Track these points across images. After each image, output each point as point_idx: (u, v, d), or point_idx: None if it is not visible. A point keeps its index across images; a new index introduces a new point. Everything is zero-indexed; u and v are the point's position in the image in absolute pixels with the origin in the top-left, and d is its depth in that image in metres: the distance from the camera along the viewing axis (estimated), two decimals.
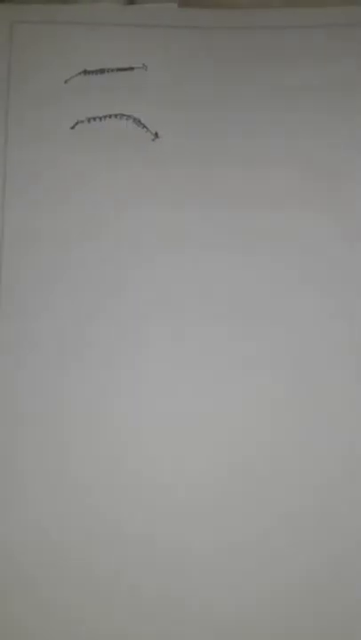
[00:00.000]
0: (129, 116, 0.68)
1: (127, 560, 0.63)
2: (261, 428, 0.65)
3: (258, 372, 0.65)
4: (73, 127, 0.69)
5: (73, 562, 0.63)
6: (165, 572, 0.63)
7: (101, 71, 0.69)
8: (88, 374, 0.65)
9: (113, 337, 0.66)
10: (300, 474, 0.64)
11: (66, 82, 0.69)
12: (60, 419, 0.65)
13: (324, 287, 0.66)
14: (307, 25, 0.69)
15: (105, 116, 0.68)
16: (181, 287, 0.67)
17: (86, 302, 0.67)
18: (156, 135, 0.68)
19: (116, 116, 0.68)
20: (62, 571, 0.62)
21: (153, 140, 0.68)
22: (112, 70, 0.69)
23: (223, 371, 0.66)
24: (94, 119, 0.68)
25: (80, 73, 0.69)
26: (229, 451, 0.65)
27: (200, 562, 0.63)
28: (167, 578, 0.63)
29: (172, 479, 0.64)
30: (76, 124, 0.69)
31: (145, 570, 0.62)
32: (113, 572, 0.62)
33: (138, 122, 0.68)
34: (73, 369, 0.66)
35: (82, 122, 0.68)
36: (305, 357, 0.65)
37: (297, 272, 0.66)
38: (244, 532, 0.63)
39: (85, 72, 0.69)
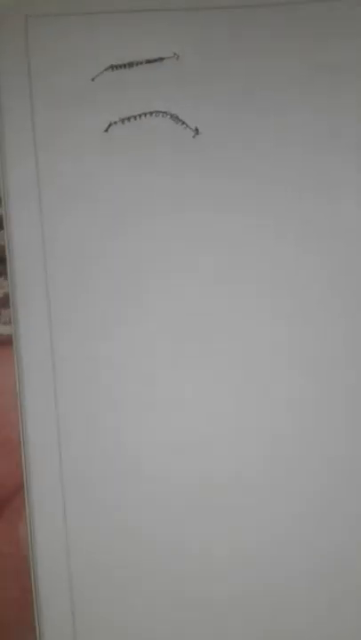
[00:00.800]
0: (165, 113, 0.64)
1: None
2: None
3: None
4: (107, 130, 0.64)
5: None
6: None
7: (130, 65, 0.64)
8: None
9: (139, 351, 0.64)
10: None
11: (93, 79, 0.64)
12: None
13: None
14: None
15: (139, 115, 0.64)
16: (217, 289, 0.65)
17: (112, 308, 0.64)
18: (197, 131, 0.64)
19: (151, 113, 0.64)
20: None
21: (193, 137, 0.64)
22: (141, 63, 0.64)
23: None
24: (128, 119, 0.64)
25: (107, 68, 0.64)
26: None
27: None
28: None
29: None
30: (110, 126, 0.64)
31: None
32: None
33: (176, 118, 0.64)
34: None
35: (115, 123, 0.64)
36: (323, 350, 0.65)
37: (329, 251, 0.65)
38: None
39: (113, 67, 0.64)
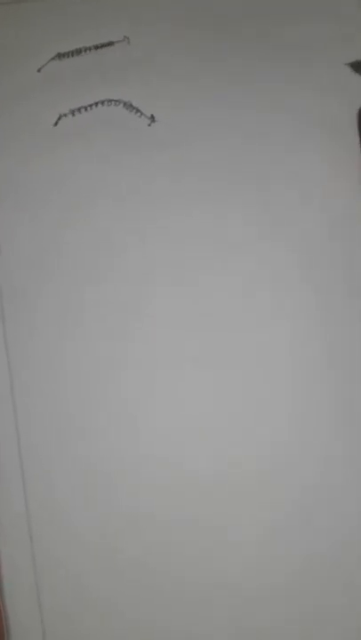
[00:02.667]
0: (118, 101, 0.59)
1: None
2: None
3: None
4: (56, 123, 0.59)
5: None
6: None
7: (77, 52, 0.59)
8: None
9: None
10: None
11: (39, 70, 0.60)
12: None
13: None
14: None
15: (90, 105, 0.59)
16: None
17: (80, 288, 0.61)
18: (153, 119, 0.59)
19: (102, 102, 0.59)
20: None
21: (149, 124, 0.59)
22: (89, 49, 0.60)
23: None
24: (79, 110, 0.59)
25: (53, 58, 0.60)
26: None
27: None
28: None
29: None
30: (59, 118, 0.59)
31: None
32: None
33: (130, 106, 0.59)
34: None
35: (65, 115, 0.59)
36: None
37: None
38: None
39: (59, 56, 0.60)
